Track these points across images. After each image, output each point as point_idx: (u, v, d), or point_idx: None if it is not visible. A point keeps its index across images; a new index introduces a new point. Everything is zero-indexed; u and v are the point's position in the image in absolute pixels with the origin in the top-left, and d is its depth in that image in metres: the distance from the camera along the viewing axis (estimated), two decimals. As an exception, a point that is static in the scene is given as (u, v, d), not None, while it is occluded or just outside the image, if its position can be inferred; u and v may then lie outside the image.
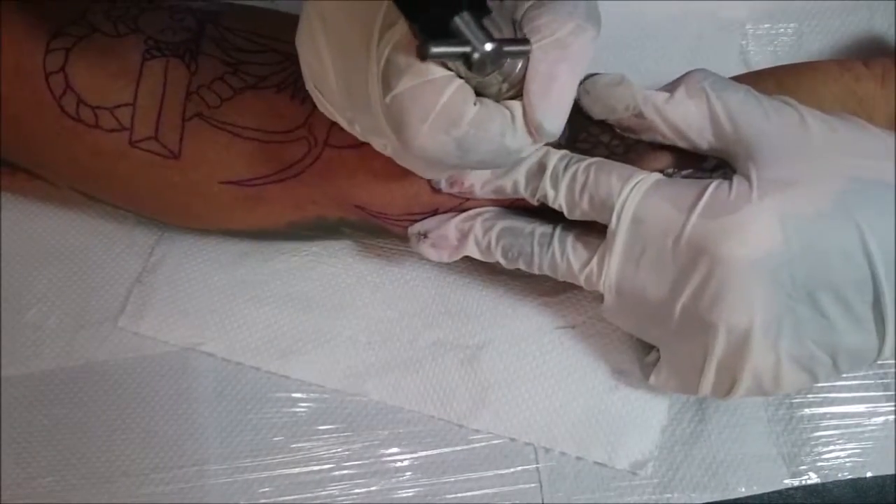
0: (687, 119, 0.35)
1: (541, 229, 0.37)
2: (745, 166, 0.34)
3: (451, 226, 0.38)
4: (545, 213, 0.37)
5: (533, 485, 0.41)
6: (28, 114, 0.38)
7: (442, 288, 0.44)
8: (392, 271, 0.44)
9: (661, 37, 0.48)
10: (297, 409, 0.42)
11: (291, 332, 0.43)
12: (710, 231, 0.33)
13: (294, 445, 0.42)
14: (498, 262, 0.38)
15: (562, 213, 0.37)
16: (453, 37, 0.26)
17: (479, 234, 0.38)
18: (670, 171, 0.37)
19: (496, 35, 0.27)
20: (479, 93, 0.30)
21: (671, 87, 0.36)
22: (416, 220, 0.39)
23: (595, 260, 0.36)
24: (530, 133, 0.31)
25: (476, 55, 0.26)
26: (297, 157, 0.38)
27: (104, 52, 0.38)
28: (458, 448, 0.42)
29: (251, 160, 0.38)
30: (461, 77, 0.29)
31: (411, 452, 0.42)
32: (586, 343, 0.42)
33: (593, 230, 0.36)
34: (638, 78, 0.37)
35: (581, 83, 0.37)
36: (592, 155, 0.37)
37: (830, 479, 0.40)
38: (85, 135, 0.38)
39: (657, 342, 0.38)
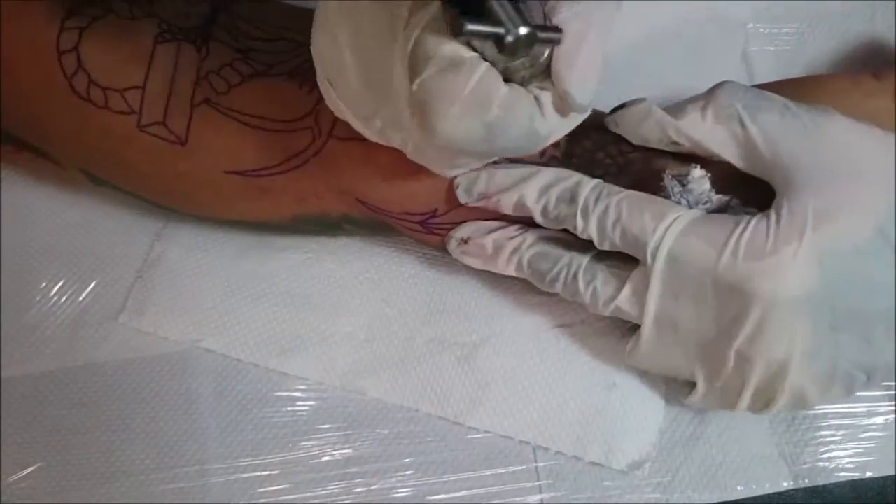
0: (723, 146, 0.35)
1: (571, 256, 0.37)
2: (780, 199, 0.33)
3: (490, 238, 0.38)
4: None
5: (532, 484, 0.41)
6: (38, 91, 0.38)
7: (440, 286, 0.44)
8: (390, 269, 0.44)
9: (663, 36, 0.48)
10: (298, 409, 0.42)
11: (290, 330, 0.43)
12: (747, 272, 0.32)
13: (294, 445, 0.41)
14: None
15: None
16: (488, 17, 0.26)
17: (511, 253, 0.38)
18: (697, 173, 0.36)
19: (530, 20, 0.27)
20: (505, 79, 0.30)
21: (701, 106, 0.35)
22: (414, 220, 0.39)
23: (626, 293, 0.36)
24: (559, 111, 0.30)
25: (510, 37, 0.26)
26: (301, 146, 0.38)
27: (118, 33, 0.38)
28: (458, 447, 0.42)
29: (256, 150, 0.38)
30: (488, 61, 0.29)
31: (411, 451, 0.41)
32: (584, 342, 0.42)
33: (624, 261, 0.36)
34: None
35: (610, 114, 0.37)
36: (593, 163, 0.37)
37: (831, 480, 0.40)
38: (94, 115, 0.38)
39: (693, 375, 0.37)
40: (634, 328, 0.38)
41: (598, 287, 0.36)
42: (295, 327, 0.43)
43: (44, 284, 0.44)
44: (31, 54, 0.38)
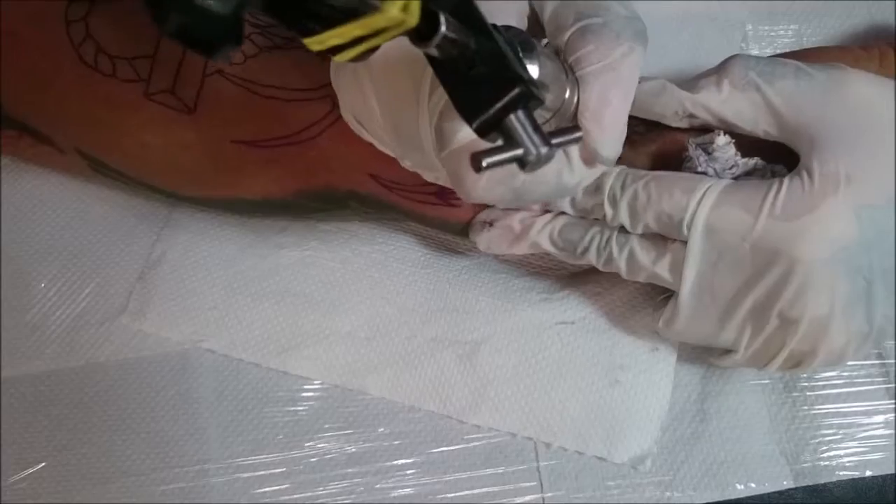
0: (742, 115, 0.35)
1: (602, 225, 0.37)
2: (809, 159, 0.33)
3: (516, 217, 0.38)
4: None
5: (533, 483, 0.41)
6: (44, 61, 0.38)
7: (441, 283, 0.44)
8: (391, 267, 0.44)
9: (662, 37, 0.48)
10: (298, 408, 0.42)
11: (291, 328, 0.43)
12: (786, 232, 0.33)
13: (295, 444, 0.42)
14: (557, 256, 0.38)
15: None
16: (505, 135, 0.24)
17: (541, 228, 0.37)
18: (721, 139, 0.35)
19: (543, 127, 0.25)
20: None
21: (715, 79, 0.35)
22: (430, 190, 0.39)
23: (666, 265, 0.35)
24: (586, 161, 0.31)
25: (531, 157, 0.25)
26: (317, 116, 0.38)
27: (129, 6, 0.38)
28: (459, 446, 0.42)
29: (269, 120, 0.38)
30: None
31: (412, 451, 0.42)
32: (586, 338, 0.42)
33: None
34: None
35: None
36: None
37: (831, 479, 0.40)
38: (100, 84, 0.38)
39: (732, 342, 0.37)
40: (665, 301, 0.38)
41: (637, 252, 0.36)
42: (295, 326, 0.43)
43: (44, 285, 0.44)
44: (38, 23, 0.38)
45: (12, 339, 0.43)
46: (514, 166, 0.25)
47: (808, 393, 0.42)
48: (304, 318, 0.43)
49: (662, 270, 0.36)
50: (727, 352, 0.38)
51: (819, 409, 0.41)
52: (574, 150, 0.30)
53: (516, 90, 0.24)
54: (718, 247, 0.34)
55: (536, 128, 0.24)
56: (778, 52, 0.49)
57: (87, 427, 0.42)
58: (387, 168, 0.38)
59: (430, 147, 0.31)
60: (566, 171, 0.31)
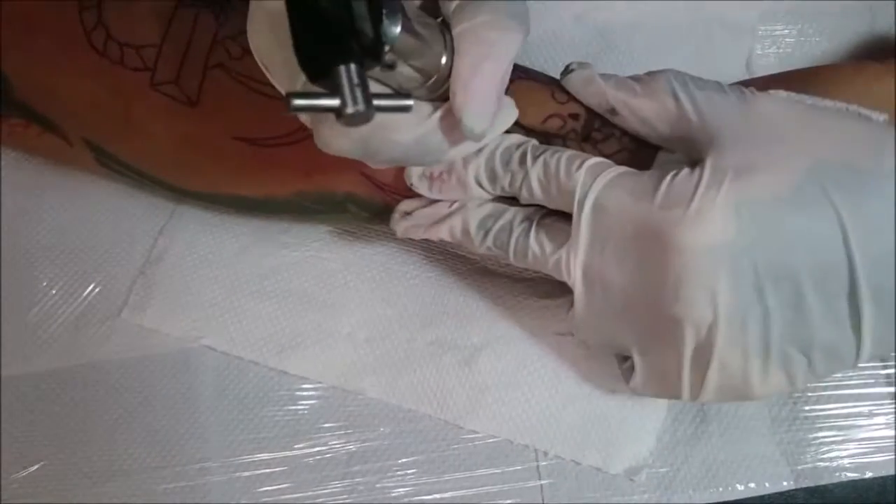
0: (656, 113, 0.35)
1: (522, 215, 0.37)
2: (705, 156, 0.33)
3: (437, 207, 0.38)
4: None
5: (533, 483, 0.41)
6: (56, 45, 0.38)
7: (442, 287, 0.44)
8: (392, 269, 0.44)
9: (670, 38, 0.48)
10: (299, 408, 0.42)
11: (291, 328, 0.43)
12: (665, 220, 0.32)
13: (295, 444, 0.42)
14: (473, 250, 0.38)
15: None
16: (331, 84, 0.25)
17: (459, 218, 0.37)
18: None
19: (375, 90, 0.26)
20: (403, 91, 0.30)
21: (642, 80, 0.36)
22: (417, 196, 0.39)
23: (564, 249, 0.35)
24: (452, 129, 0.31)
25: (346, 111, 0.25)
26: None
27: None
28: (459, 446, 0.42)
29: (267, 118, 0.38)
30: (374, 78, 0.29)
31: (412, 450, 0.42)
32: (584, 347, 0.42)
33: (569, 220, 0.36)
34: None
35: (561, 77, 0.37)
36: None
37: (831, 480, 0.40)
38: (107, 71, 0.38)
39: (629, 346, 0.36)
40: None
41: (545, 240, 0.36)
42: (295, 326, 0.43)
43: (45, 283, 0.44)
44: (52, 7, 0.38)
45: (13, 338, 0.43)
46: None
47: (808, 394, 0.42)
48: (305, 318, 0.43)
49: (564, 257, 0.35)
50: (634, 371, 0.36)
51: (820, 409, 0.41)
52: (436, 116, 0.31)
53: (351, 44, 0.24)
54: (604, 231, 0.34)
55: (363, 86, 0.25)
56: (780, 51, 0.49)
57: (87, 426, 0.42)
58: (380, 171, 0.38)
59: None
60: (430, 137, 0.31)
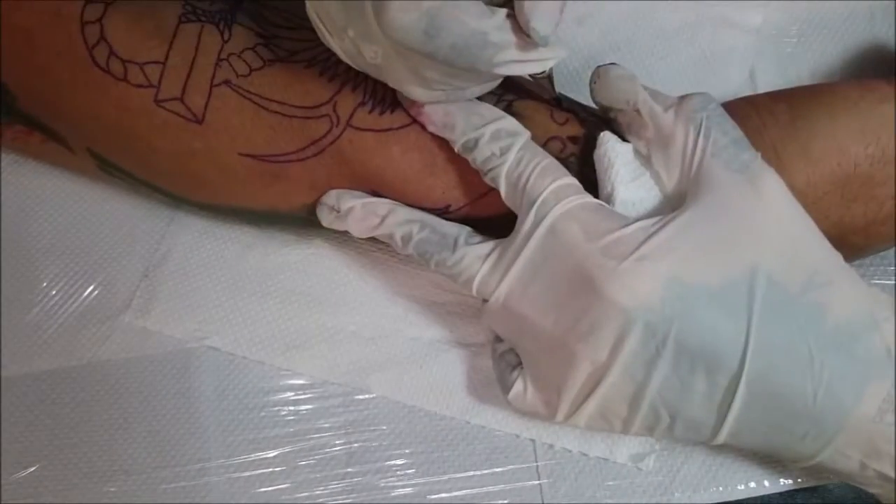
0: (673, 139, 0.35)
1: (456, 230, 0.37)
2: (677, 212, 0.34)
3: (375, 205, 0.38)
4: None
5: (533, 483, 0.41)
6: (58, 61, 0.38)
7: (447, 284, 0.44)
8: (396, 267, 0.44)
9: (672, 41, 0.48)
10: (299, 407, 0.42)
11: (295, 327, 0.43)
12: (600, 267, 0.33)
13: (295, 443, 0.42)
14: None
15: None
16: None
17: (394, 220, 0.38)
18: None
19: None
20: None
21: (672, 102, 0.36)
22: (431, 209, 0.39)
23: (495, 255, 0.36)
24: (516, 31, 0.31)
25: None
26: (318, 134, 0.38)
27: (142, 10, 0.38)
28: (459, 446, 0.42)
29: (273, 135, 0.38)
30: None
31: (412, 450, 0.42)
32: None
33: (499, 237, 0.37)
34: (645, 80, 0.37)
35: (595, 71, 0.37)
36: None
37: (832, 480, 0.40)
38: (111, 87, 0.38)
39: (525, 353, 0.37)
40: None
41: (476, 251, 0.36)
42: (300, 324, 0.43)
43: (45, 283, 0.44)
44: (54, 22, 0.38)
45: (13, 338, 0.43)
46: None
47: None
48: (309, 317, 0.43)
49: (488, 268, 0.36)
50: (519, 380, 0.37)
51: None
52: (502, 12, 0.31)
53: None
54: (546, 255, 0.34)
55: None
56: (780, 51, 0.49)
57: (87, 426, 0.42)
58: (386, 186, 0.38)
59: (370, 8, 0.31)
60: (488, 19, 0.30)
